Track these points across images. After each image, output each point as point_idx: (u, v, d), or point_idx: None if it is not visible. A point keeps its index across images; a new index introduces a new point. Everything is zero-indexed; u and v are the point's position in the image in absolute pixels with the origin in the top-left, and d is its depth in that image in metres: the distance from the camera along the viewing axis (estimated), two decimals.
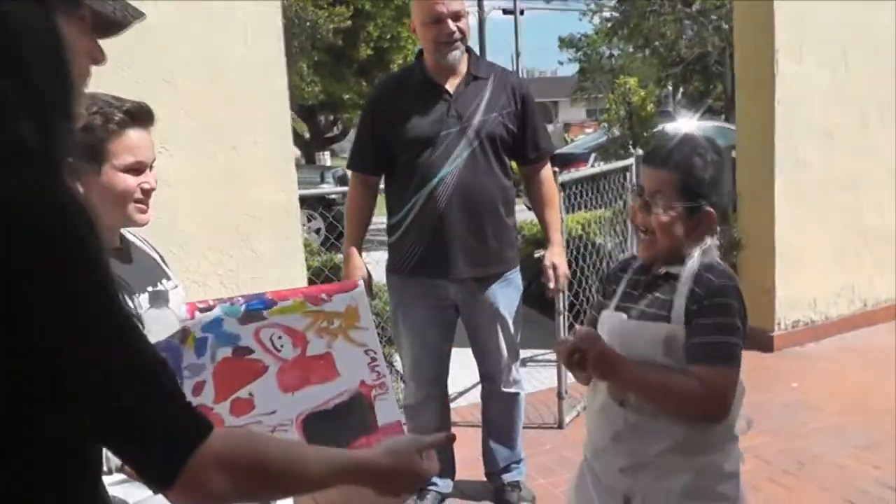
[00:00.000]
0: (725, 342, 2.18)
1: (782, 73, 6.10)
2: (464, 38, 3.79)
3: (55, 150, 1.17)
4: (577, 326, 2.39)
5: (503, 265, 3.94)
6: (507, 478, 4.20)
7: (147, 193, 2.26)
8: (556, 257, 4.00)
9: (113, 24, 1.37)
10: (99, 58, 1.33)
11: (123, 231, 2.37)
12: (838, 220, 6.53)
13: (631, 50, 29.49)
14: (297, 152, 29.88)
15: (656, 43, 26.14)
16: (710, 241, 2.33)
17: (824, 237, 6.47)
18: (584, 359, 2.17)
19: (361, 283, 1.82)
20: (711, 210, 2.28)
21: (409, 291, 3.96)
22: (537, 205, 4.11)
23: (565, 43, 36.39)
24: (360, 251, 4.03)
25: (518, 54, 29.54)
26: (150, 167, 2.28)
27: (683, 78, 27.72)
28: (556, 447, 4.86)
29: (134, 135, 2.21)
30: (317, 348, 1.85)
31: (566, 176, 5.44)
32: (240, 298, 1.90)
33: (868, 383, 5.54)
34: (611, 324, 2.36)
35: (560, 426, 5.15)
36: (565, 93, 44.37)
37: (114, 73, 4.17)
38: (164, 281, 2.38)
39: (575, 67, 37.70)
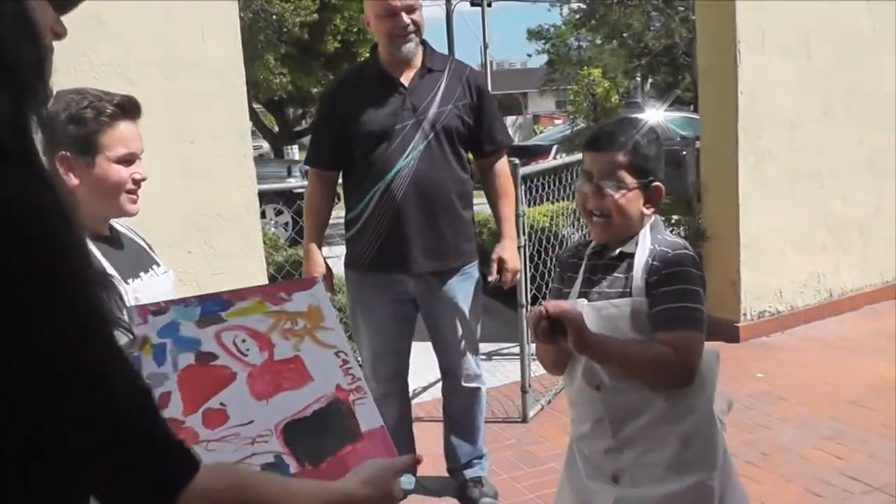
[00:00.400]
0: (687, 307, 2.23)
1: (745, 63, 6.09)
2: (418, 31, 3.76)
3: (28, 129, 1.10)
4: (549, 301, 2.36)
5: (460, 259, 3.90)
6: (469, 473, 4.16)
7: (138, 183, 2.30)
8: (505, 251, 3.98)
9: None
10: (61, 31, 1.26)
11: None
12: (803, 210, 6.54)
13: (599, 41, 29.52)
14: (266, 146, 29.82)
15: (624, 34, 26.20)
16: (655, 216, 2.40)
17: (789, 227, 6.47)
18: (554, 330, 2.19)
19: (320, 279, 1.75)
20: (660, 184, 2.36)
21: (367, 286, 3.92)
22: (492, 198, 4.08)
23: (533, 35, 36.36)
24: (320, 247, 4.02)
25: (486, 46, 29.40)
26: (139, 158, 2.33)
27: (651, 69, 27.76)
28: (519, 441, 4.83)
29: (125, 127, 2.25)
30: (284, 352, 1.75)
31: (527, 169, 5.40)
32: (193, 299, 1.80)
33: (834, 373, 5.54)
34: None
35: (524, 420, 5.11)
36: (535, 84, 44.33)
37: (72, 69, 4.18)
38: (154, 267, 2.42)
39: (544, 59, 37.72)
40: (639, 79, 30.24)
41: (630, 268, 2.31)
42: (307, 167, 4.13)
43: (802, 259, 6.59)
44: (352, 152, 3.82)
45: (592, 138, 2.44)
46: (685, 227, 6.63)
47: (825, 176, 6.60)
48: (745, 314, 6.37)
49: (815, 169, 6.53)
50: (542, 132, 21.99)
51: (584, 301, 2.33)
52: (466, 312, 3.94)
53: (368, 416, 1.72)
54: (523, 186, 5.09)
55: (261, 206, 7.94)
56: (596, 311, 2.29)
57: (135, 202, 2.32)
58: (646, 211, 2.35)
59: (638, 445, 2.31)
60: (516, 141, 27.16)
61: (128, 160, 2.27)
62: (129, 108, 2.26)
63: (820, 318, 6.67)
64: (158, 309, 1.77)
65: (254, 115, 28.18)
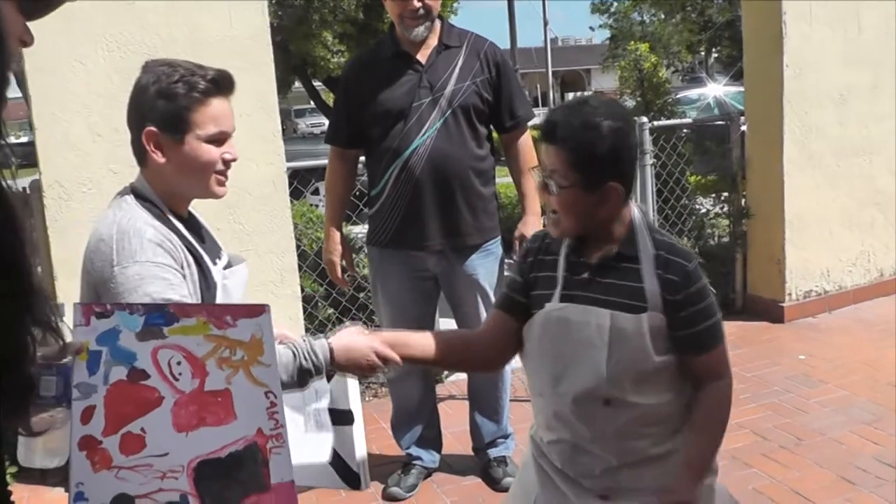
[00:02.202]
0: (715, 322, 2.15)
1: (790, 36, 5.90)
2: (429, 14, 3.72)
3: None
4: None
5: (481, 236, 3.86)
6: (493, 453, 4.14)
7: (228, 164, 2.18)
8: (528, 228, 3.92)
9: (40, 5, 1.29)
10: (28, 39, 1.25)
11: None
12: (851, 186, 6.33)
13: (662, 16, 29.11)
14: (326, 123, 29.91)
15: (687, 8, 25.79)
16: (637, 214, 2.20)
17: (837, 204, 6.28)
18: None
19: (269, 308, 1.68)
20: (616, 185, 2.09)
21: (388, 263, 3.92)
22: (515, 173, 4.04)
23: (597, 8, 36.01)
24: (339, 225, 4.05)
25: (546, 22, 29.21)
26: (230, 137, 2.21)
27: (713, 43, 27.30)
28: None
29: (217, 104, 2.13)
30: (216, 382, 1.67)
31: None
32: (139, 307, 1.73)
33: (878, 356, 5.38)
34: (564, 316, 2.15)
35: None
36: (597, 60, 43.91)
37: (102, 51, 4.22)
38: (222, 254, 2.33)
39: (607, 34, 37.36)
40: (702, 53, 29.75)
41: (634, 274, 2.12)
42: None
43: (851, 237, 6.40)
44: (370, 131, 3.82)
45: (542, 126, 2.19)
46: (729, 205, 6.49)
47: (874, 151, 6.38)
48: (789, 294, 6.20)
49: (863, 144, 6.32)
50: None
51: (569, 305, 2.14)
52: (488, 289, 3.90)
53: (281, 467, 1.67)
54: None
55: (317, 183, 8.00)
56: (606, 319, 2.09)
57: (223, 184, 2.20)
58: (599, 212, 2.11)
59: (640, 464, 2.17)
60: None
61: (219, 139, 2.14)
62: (222, 84, 2.14)
63: (869, 298, 6.47)
64: (103, 311, 1.70)
65: (314, 92, 28.36)
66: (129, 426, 1.65)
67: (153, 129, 2.09)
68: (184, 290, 2.02)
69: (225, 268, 2.27)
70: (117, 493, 1.64)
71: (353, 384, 2.26)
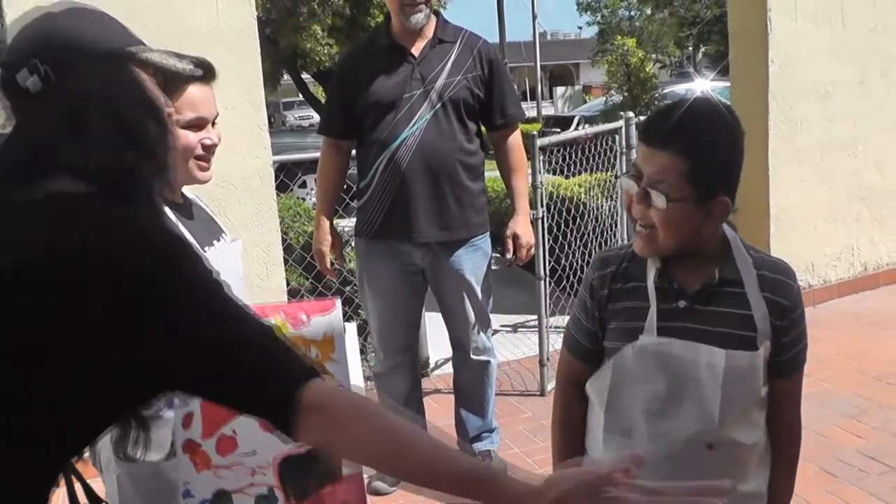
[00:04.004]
0: (805, 346, 2.02)
1: (775, 31, 5.93)
2: (428, 2, 3.75)
3: (151, 181, 1.39)
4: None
5: (468, 230, 3.87)
6: (478, 447, 4.14)
7: (208, 150, 2.23)
8: (519, 227, 3.95)
9: (177, 78, 1.52)
10: (171, 113, 1.49)
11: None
12: (837, 180, 6.37)
13: (649, 11, 29.15)
14: (316, 116, 29.87)
15: (675, 3, 25.82)
16: (729, 229, 1.95)
17: (822, 199, 6.32)
18: None
19: (338, 303, 1.73)
20: (726, 199, 1.83)
21: (375, 255, 3.92)
22: (505, 171, 4.05)
23: (583, 7, 36.04)
24: (330, 216, 4.06)
25: (535, 17, 29.23)
26: (213, 123, 2.26)
27: (702, 38, 27.36)
28: (535, 415, 4.78)
29: (195, 90, 2.16)
30: None
31: (545, 140, 5.35)
32: None
33: (862, 350, 5.41)
34: (666, 351, 1.89)
35: (542, 393, 5.06)
36: (587, 55, 43.96)
37: None
38: (223, 236, 2.37)
39: (595, 29, 37.40)
40: (690, 48, 29.80)
41: (739, 299, 1.88)
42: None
43: (836, 231, 6.43)
44: (361, 121, 3.83)
45: (647, 126, 1.93)
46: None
47: (860, 145, 6.41)
48: None
49: (849, 138, 6.35)
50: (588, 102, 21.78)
51: (672, 340, 1.89)
52: (474, 284, 3.91)
53: None
54: (542, 157, 5.04)
55: (304, 176, 8.03)
56: (710, 357, 1.87)
57: (206, 169, 2.26)
58: (704, 228, 1.85)
59: None
60: (565, 112, 27.07)
61: (197, 125, 2.19)
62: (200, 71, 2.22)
63: (854, 292, 6.51)
64: None
65: (302, 85, 28.34)
66: (222, 429, 1.82)
67: None
68: None
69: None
70: (217, 490, 1.83)
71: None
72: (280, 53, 22.84)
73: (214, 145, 2.24)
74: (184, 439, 1.83)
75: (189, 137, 2.18)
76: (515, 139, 4.01)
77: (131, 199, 1.35)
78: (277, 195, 4.90)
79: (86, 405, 1.29)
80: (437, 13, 3.89)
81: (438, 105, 3.74)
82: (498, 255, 4.39)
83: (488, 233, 3.99)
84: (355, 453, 1.37)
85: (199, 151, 2.21)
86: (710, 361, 1.86)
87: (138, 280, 1.25)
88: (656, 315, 1.90)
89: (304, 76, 27.66)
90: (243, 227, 4.60)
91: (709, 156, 1.80)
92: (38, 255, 1.25)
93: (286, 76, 29.06)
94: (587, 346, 2.04)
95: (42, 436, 1.28)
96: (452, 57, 3.79)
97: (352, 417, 1.30)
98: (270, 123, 4.78)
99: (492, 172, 4.34)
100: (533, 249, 4.09)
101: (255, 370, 1.30)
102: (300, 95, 32.06)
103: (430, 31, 3.82)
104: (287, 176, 5.51)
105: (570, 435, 2.10)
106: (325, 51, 21.41)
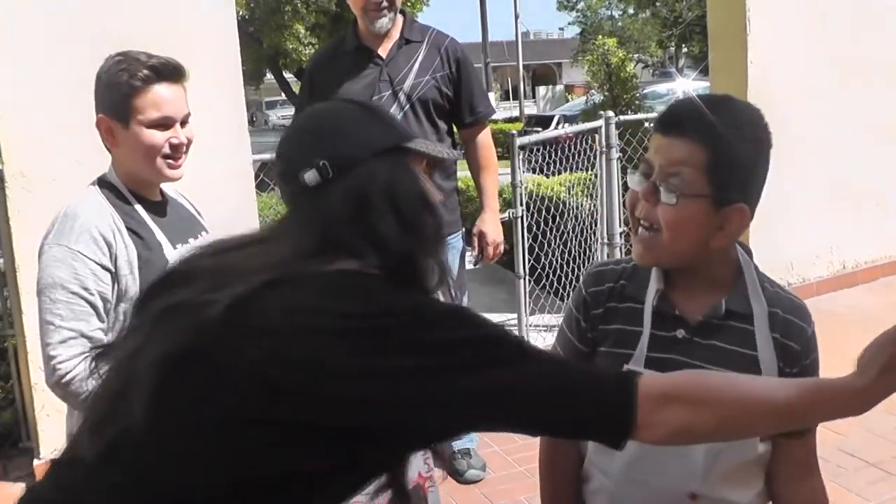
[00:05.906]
0: None
1: (755, 31, 5.96)
2: (392, 6, 3.76)
3: (425, 265, 1.49)
4: None
5: None
6: (457, 445, 4.15)
7: (176, 149, 2.27)
8: (486, 225, 3.96)
9: (440, 163, 1.60)
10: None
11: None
12: (816, 181, 6.40)
13: (632, 11, 29.23)
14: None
15: (657, 3, 25.91)
16: (744, 255, 1.75)
17: (801, 199, 6.34)
18: None
19: None
20: (745, 208, 1.63)
21: None
22: (474, 169, 4.07)
23: (563, 6, 36.11)
24: None
25: (517, 16, 29.25)
26: (184, 122, 2.30)
27: (684, 38, 27.45)
28: None
29: (160, 90, 2.22)
30: None
31: (524, 139, 5.36)
32: None
33: (841, 347, 5.37)
34: None
35: None
36: (569, 54, 44.08)
37: (67, 43, 4.18)
38: (202, 233, 2.44)
39: (577, 29, 37.48)
40: (672, 49, 29.91)
41: (745, 337, 1.68)
42: None
43: (815, 231, 6.46)
44: None
45: (664, 114, 1.69)
46: None
47: (840, 146, 6.44)
48: None
49: (829, 139, 6.38)
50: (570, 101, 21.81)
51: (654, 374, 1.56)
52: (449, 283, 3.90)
53: (434, 501, 2.03)
54: (520, 155, 5.06)
55: None
56: None
57: (175, 167, 2.29)
58: (715, 239, 1.63)
59: None
60: (546, 111, 27.09)
61: (163, 124, 2.23)
62: (163, 71, 2.23)
63: (833, 290, 6.55)
64: None
65: (285, 84, 28.31)
66: None
67: (103, 115, 2.23)
68: (88, 283, 2.13)
69: None
70: None
71: None
72: (263, 52, 22.83)
73: (183, 144, 2.28)
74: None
75: (155, 137, 2.23)
76: (485, 137, 4.02)
77: (407, 283, 1.44)
78: (258, 194, 4.89)
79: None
80: (403, 13, 3.90)
81: (408, 106, 3.76)
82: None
83: (461, 231, 4.00)
84: (714, 427, 1.36)
85: (167, 150, 2.25)
86: None
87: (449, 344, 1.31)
88: (648, 343, 1.68)
89: (287, 75, 27.65)
90: (222, 225, 4.58)
91: (732, 151, 1.57)
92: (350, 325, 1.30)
93: (269, 75, 29.03)
94: None
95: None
96: (420, 57, 3.81)
97: (699, 392, 1.33)
98: (253, 122, 4.77)
99: (466, 172, 4.36)
100: (501, 247, 4.08)
101: (581, 389, 1.32)
102: (283, 94, 32.05)
103: (396, 32, 3.83)
104: (267, 175, 5.50)
105: (559, 474, 1.92)
106: (307, 50, 21.41)
